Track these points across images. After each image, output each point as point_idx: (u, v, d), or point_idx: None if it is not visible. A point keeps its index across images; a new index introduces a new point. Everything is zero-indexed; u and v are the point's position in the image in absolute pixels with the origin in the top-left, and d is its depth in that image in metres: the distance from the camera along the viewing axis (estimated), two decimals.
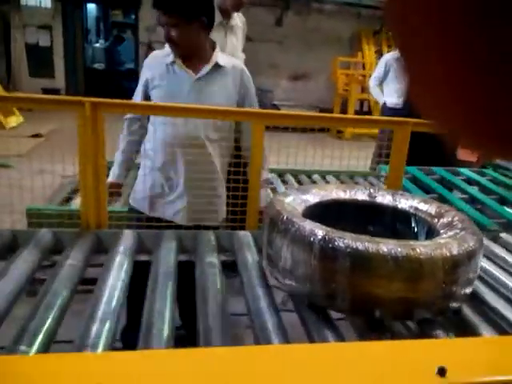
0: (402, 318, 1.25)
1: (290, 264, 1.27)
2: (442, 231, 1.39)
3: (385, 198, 1.59)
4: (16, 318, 1.21)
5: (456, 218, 1.43)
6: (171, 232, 1.74)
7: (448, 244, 1.23)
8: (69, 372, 0.81)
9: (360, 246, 1.17)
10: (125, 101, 1.90)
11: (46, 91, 9.14)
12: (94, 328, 1.12)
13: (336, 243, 1.18)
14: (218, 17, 2.58)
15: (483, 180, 3.24)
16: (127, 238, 1.66)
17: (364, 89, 9.67)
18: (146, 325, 1.16)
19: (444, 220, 1.45)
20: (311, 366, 0.87)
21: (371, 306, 1.20)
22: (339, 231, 1.23)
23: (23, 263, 1.43)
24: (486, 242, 1.81)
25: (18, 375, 0.81)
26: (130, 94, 2.18)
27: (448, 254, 1.19)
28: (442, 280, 1.19)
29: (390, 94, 5.36)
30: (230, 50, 2.74)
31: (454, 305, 1.26)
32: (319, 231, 1.22)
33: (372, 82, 5.61)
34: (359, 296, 1.19)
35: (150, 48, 9.97)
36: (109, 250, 1.59)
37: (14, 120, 7.94)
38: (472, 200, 2.83)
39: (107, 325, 1.14)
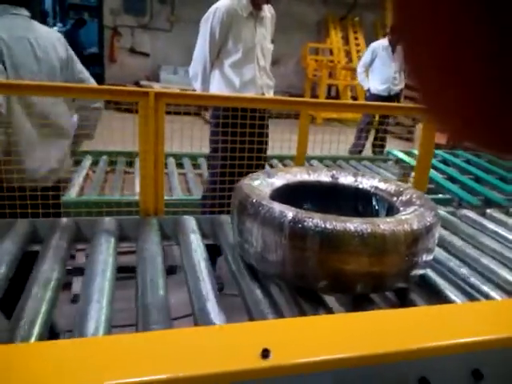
0: (370, 290, 1.29)
1: (261, 245, 1.29)
2: (401, 208, 1.45)
3: (347, 179, 1.63)
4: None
5: (414, 196, 1.49)
6: (226, 217, 1.81)
7: (409, 220, 1.29)
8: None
9: (328, 224, 1.20)
10: (185, 92, 2.04)
11: None
12: (209, 304, 1.20)
13: (305, 223, 1.21)
14: (248, 7, 2.68)
15: (458, 161, 3.43)
16: (189, 223, 1.71)
17: (332, 74, 9.77)
18: None
19: (403, 198, 1.50)
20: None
21: (341, 282, 1.24)
22: (308, 212, 1.25)
23: (105, 250, 1.46)
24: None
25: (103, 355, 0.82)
26: (95, 80, 2.17)
27: (409, 229, 1.24)
28: (405, 253, 1.25)
29: (375, 81, 5.60)
30: (258, 40, 2.78)
31: (419, 272, 1.32)
32: (289, 212, 1.24)
33: (359, 69, 5.82)
34: (329, 273, 1.23)
35: (116, 32, 9.59)
36: (172, 236, 1.69)
37: None
38: (451, 180, 3.00)
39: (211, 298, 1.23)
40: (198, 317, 1.17)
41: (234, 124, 2.18)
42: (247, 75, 2.77)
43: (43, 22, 10.97)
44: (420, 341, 0.93)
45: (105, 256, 1.42)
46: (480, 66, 0.27)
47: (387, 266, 1.24)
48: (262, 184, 1.47)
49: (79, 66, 2.12)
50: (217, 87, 2.73)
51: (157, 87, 7.68)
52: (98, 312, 1.13)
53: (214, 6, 2.71)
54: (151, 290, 1.26)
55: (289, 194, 1.53)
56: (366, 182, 1.61)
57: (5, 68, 1.81)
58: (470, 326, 1.04)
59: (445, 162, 3.47)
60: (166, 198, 1.95)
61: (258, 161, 2.21)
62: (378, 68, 5.60)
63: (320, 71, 9.69)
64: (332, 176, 1.64)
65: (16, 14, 1.89)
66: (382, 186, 1.58)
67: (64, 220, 1.68)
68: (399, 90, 5.74)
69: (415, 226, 1.27)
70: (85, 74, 2.13)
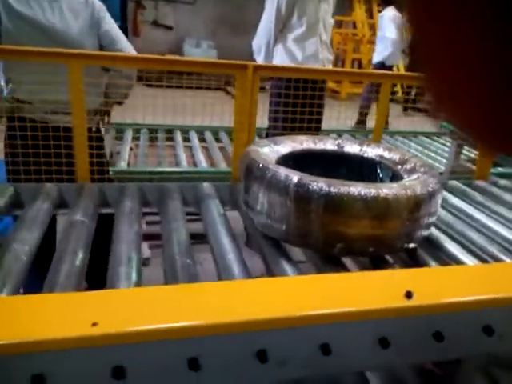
0: (370, 254, 1.29)
1: (266, 208, 1.29)
2: (405, 176, 1.44)
3: (352, 148, 1.62)
4: None
5: (418, 164, 1.48)
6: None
7: (412, 186, 1.28)
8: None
9: (332, 188, 1.20)
10: (280, 64, 2.32)
11: None
12: None
13: (310, 186, 1.21)
14: None
15: None
16: None
17: (357, 48, 9.57)
18: None
19: (407, 166, 1.49)
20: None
21: (342, 244, 1.23)
22: (312, 176, 1.25)
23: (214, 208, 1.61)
24: None
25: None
26: None
27: (412, 194, 1.24)
28: (407, 218, 1.24)
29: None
30: (322, 15, 2.85)
31: (411, 245, 1.31)
32: (294, 176, 1.24)
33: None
34: (331, 234, 1.23)
35: (140, 5, 9.40)
36: None
37: None
38: None
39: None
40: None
41: (292, 95, 2.24)
42: (310, 49, 2.81)
43: None
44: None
45: (217, 216, 1.54)
46: (485, 61, 0.27)
47: (389, 229, 1.24)
48: (268, 150, 1.47)
49: (113, 34, 2.09)
50: (280, 61, 2.78)
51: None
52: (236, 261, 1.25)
53: None
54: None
55: (294, 162, 1.53)
56: (371, 151, 1.60)
57: None
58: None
59: None
60: None
61: (316, 131, 2.36)
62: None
63: (344, 45, 9.44)
64: (338, 145, 1.62)
65: None
66: (387, 154, 1.57)
67: (172, 185, 1.74)
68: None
69: (418, 192, 1.26)
70: (121, 44, 2.09)
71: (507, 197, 1.94)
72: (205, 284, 0.95)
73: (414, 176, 1.40)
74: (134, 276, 1.13)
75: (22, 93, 1.92)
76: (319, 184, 1.21)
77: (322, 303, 0.87)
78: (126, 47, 2.09)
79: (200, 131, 3.93)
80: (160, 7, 9.62)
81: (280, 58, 2.79)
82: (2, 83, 1.96)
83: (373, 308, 0.87)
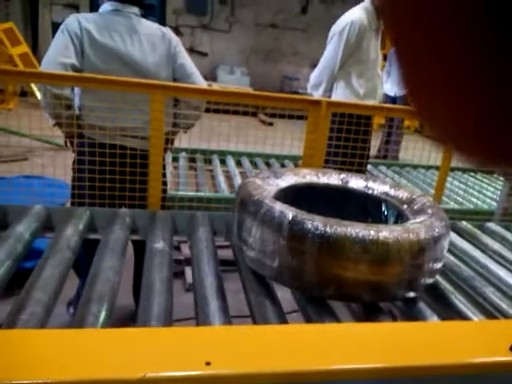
0: (371, 299, 1.18)
1: (259, 244, 1.20)
2: (411, 217, 1.33)
3: (357, 183, 1.52)
4: None
5: (426, 204, 1.37)
6: None
7: (416, 229, 1.17)
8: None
9: (328, 228, 1.10)
10: (352, 101, 2.29)
11: None
12: None
13: (305, 225, 1.11)
14: (376, 20, 2.73)
15: None
16: None
17: None
18: None
19: (414, 206, 1.38)
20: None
21: (337, 288, 1.13)
22: (308, 213, 1.15)
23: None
24: None
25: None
26: None
27: (415, 239, 1.13)
28: (409, 263, 1.13)
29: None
30: (378, 51, 2.85)
31: (411, 294, 1.19)
32: (289, 213, 1.15)
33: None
34: (326, 277, 1.12)
35: (178, 32, 9.54)
36: None
37: None
38: None
39: None
40: None
41: (348, 129, 2.22)
42: (370, 84, 2.79)
43: None
44: None
45: None
46: (478, 75, 0.25)
47: (389, 275, 1.13)
48: (267, 183, 1.38)
49: (187, 68, 2.07)
50: (342, 96, 2.75)
51: (216, 86, 7.60)
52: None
53: (348, 19, 2.71)
54: None
55: (295, 196, 1.44)
56: (376, 188, 1.49)
57: (82, 55, 1.87)
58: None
59: None
60: None
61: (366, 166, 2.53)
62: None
63: None
64: (342, 180, 1.53)
65: (118, 11, 1.95)
66: (393, 192, 1.46)
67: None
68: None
69: (422, 236, 1.15)
70: (193, 78, 2.07)
71: None
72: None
73: (421, 218, 1.28)
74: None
75: (94, 118, 1.91)
76: (314, 223, 1.11)
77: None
78: (199, 81, 2.07)
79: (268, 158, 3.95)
80: (196, 34, 9.78)
81: (342, 93, 2.74)
82: (76, 107, 1.96)
83: (476, 361, 0.86)
